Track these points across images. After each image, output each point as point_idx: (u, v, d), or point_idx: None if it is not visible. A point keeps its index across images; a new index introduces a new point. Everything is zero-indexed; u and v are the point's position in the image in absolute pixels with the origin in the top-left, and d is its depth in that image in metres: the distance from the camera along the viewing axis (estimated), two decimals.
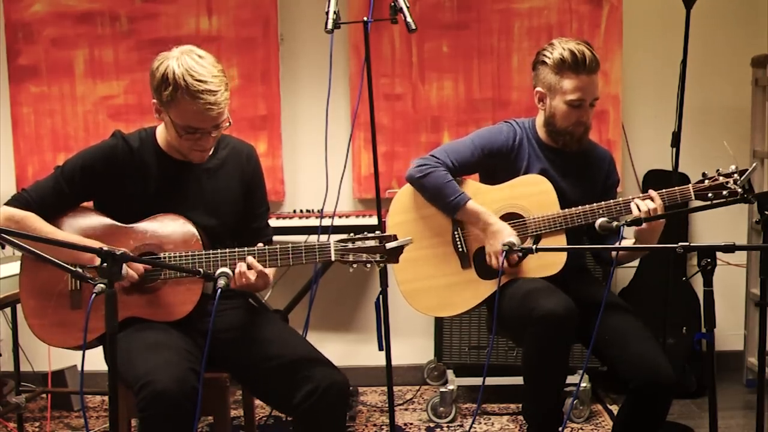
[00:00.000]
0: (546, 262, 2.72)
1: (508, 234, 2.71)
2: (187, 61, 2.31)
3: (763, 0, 4.08)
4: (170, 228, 2.45)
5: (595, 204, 2.71)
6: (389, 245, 2.37)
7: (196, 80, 2.29)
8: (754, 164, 2.66)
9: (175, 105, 2.33)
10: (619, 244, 2.68)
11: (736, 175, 2.62)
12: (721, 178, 2.63)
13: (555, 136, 2.81)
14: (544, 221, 2.74)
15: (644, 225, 2.56)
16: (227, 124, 2.42)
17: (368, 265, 2.37)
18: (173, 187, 2.49)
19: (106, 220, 2.47)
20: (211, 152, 2.53)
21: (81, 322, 2.34)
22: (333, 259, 2.38)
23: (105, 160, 2.45)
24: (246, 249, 2.40)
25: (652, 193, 2.66)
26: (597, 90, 2.75)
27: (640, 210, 2.63)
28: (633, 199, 2.67)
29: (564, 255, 2.72)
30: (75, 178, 2.45)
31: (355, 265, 2.38)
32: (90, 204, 2.52)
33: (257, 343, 2.46)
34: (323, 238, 3.22)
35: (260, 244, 2.44)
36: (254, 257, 2.39)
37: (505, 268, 2.66)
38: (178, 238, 2.44)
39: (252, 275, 2.37)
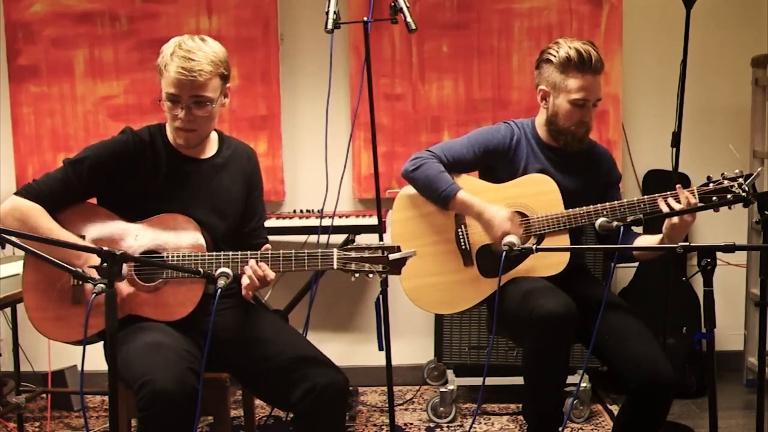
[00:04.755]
0: (550, 262, 2.72)
1: (501, 219, 2.70)
2: (186, 38, 2.41)
3: (763, 0, 4.08)
4: (175, 229, 2.45)
5: (599, 204, 2.71)
6: (392, 256, 2.36)
7: (183, 49, 2.37)
8: (759, 169, 2.65)
9: (164, 71, 2.39)
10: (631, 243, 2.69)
11: (740, 179, 2.59)
12: (726, 182, 2.61)
13: (556, 135, 2.81)
14: (549, 221, 2.74)
15: (676, 219, 2.55)
16: (209, 105, 2.41)
17: (370, 275, 2.37)
18: (181, 182, 2.50)
19: (112, 220, 2.47)
20: (215, 146, 2.57)
21: (82, 318, 2.33)
22: (335, 267, 2.38)
23: (115, 156, 2.46)
24: (249, 252, 2.40)
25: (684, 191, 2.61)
26: (600, 91, 2.76)
27: (672, 207, 2.59)
28: (660, 196, 2.63)
29: (568, 254, 2.72)
30: (84, 172, 2.45)
31: (357, 275, 2.38)
32: (94, 200, 2.53)
33: (257, 342, 2.46)
34: (323, 239, 3.23)
35: (268, 246, 2.45)
36: (257, 262, 2.39)
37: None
38: (182, 240, 2.44)
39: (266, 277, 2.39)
